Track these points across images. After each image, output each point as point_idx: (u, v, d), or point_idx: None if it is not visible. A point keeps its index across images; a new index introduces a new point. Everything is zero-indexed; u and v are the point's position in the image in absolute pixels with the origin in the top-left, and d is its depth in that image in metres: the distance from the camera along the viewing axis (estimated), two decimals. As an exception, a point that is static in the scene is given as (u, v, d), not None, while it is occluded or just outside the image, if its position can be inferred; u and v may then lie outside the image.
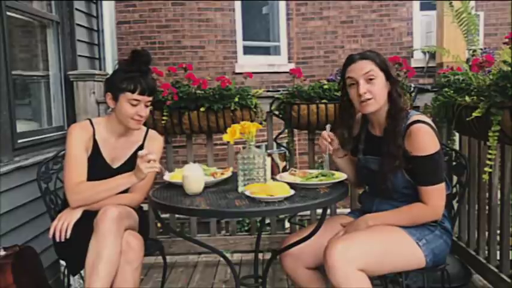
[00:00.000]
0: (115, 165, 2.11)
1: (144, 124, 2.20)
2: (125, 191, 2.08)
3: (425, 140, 1.74)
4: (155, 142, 2.19)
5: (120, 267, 1.82)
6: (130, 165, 2.03)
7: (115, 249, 1.80)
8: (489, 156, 2.03)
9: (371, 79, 1.81)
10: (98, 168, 2.05)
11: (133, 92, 2.00)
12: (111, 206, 1.87)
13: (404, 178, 1.80)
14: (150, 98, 2.07)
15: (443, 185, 1.77)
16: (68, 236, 1.93)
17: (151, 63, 2.10)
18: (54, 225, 1.96)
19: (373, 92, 1.82)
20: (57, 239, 1.94)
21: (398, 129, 1.79)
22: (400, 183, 1.82)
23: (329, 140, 1.96)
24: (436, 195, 1.75)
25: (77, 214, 1.96)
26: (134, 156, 2.06)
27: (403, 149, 1.77)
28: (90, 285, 1.75)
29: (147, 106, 2.07)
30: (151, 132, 2.25)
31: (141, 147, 2.15)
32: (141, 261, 1.89)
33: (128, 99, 2.01)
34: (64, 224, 1.94)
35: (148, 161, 1.87)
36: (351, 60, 1.86)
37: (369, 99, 1.82)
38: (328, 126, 2.01)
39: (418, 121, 1.76)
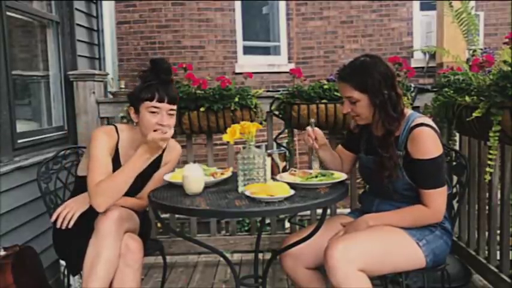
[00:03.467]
0: None
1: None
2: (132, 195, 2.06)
3: (427, 143, 1.73)
4: (173, 152, 2.16)
5: (119, 270, 1.82)
6: (145, 176, 2.02)
7: (114, 250, 1.79)
8: (490, 157, 2.03)
9: (353, 102, 1.82)
10: None
11: (151, 100, 1.93)
12: (112, 207, 1.87)
13: (405, 180, 1.80)
14: (172, 106, 1.97)
15: (445, 188, 1.77)
16: (70, 226, 1.91)
17: (171, 72, 2.02)
18: (58, 211, 1.94)
19: (356, 111, 1.84)
20: (58, 226, 1.92)
21: (390, 141, 1.79)
22: (400, 185, 1.81)
23: (313, 137, 1.97)
24: (437, 199, 1.75)
25: (84, 206, 1.94)
26: (152, 167, 2.04)
27: (395, 157, 1.77)
28: (87, 284, 1.75)
29: (171, 115, 1.98)
30: (170, 141, 2.14)
31: (159, 158, 2.11)
32: (140, 263, 1.88)
33: (147, 108, 1.94)
34: (69, 213, 1.92)
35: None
36: (336, 77, 1.88)
37: (356, 115, 1.86)
38: (312, 122, 2.01)
39: (422, 124, 1.75)
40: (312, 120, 2.01)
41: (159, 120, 1.94)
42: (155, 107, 1.93)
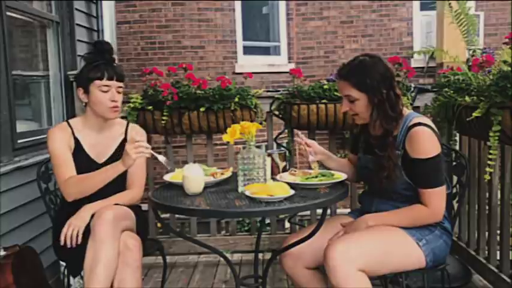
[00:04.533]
0: (101, 161, 2.11)
1: (138, 122, 2.21)
2: (123, 188, 2.10)
3: (425, 143, 1.73)
4: (137, 134, 2.18)
5: (119, 270, 1.82)
6: (116, 159, 2.02)
7: (112, 251, 1.79)
8: (490, 157, 2.03)
9: (352, 101, 1.82)
10: (84, 164, 2.06)
11: (101, 78, 2.04)
12: (107, 208, 1.87)
13: (404, 180, 1.80)
14: (120, 84, 2.10)
15: (444, 187, 1.76)
16: (79, 242, 1.91)
17: (113, 52, 2.16)
18: (64, 233, 1.94)
19: (354, 110, 1.84)
20: (68, 246, 1.92)
21: (388, 140, 1.79)
22: (399, 184, 1.81)
23: (303, 142, 1.98)
24: (436, 198, 1.75)
25: (86, 220, 1.94)
26: (119, 150, 2.08)
27: (394, 157, 1.77)
28: (89, 285, 1.75)
29: (119, 93, 2.10)
30: (132, 125, 2.27)
31: (124, 141, 2.16)
32: (140, 261, 1.88)
33: (98, 87, 2.04)
34: (74, 231, 1.92)
35: (137, 147, 1.85)
36: (335, 76, 1.88)
37: (354, 114, 1.86)
38: (298, 132, 2.01)
39: (420, 123, 1.75)
40: (297, 131, 2.04)
41: (111, 97, 2.06)
42: (106, 85, 2.05)
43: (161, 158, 1.86)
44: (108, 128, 2.16)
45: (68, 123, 2.14)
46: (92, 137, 2.13)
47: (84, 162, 2.06)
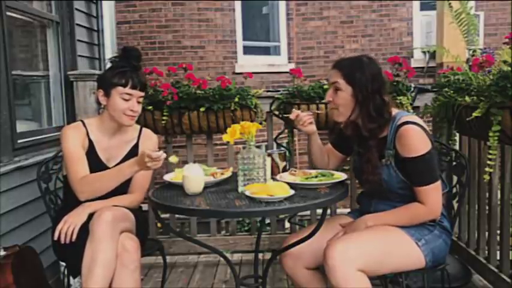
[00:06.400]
0: (111, 165, 2.11)
1: (138, 122, 2.21)
2: (125, 191, 2.09)
3: (414, 141, 1.74)
4: (150, 142, 2.19)
5: (117, 271, 1.81)
6: None
7: (110, 252, 1.79)
8: (490, 157, 2.03)
9: (337, 90, 1.84)
10: (94, 167, 2.05)
11: (125, 86, 2.02)
12: (106, 209, 1.87)
13: (399, 179, 1.80)
14: (142, 94, 2.08)
15: (438, 183, 1.77)
16: (73, 239, 1.91)
17: (142, 59, 2.12)
18: (59, 228, 1.93)
19: (336, 102, 1.85)
20: (62, 241, 1.92)
21: (370, 144, 1.81)
22: (395, 184, 1.81)
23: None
24: (432, 195, 1.76)
25: (82, 217, 1.94)
26: (130, 155, 2.08)
27: (374, 160, 1.80)
28: (87, 285, 1.75)
29: (139, 102, 2.08)
30: (145, 130, 2.25)
31: (136, 146, 2.16)
32: (138, 262, 1.87)
33: (120, 94, 2.02)
34: (70, 227, 1.92)
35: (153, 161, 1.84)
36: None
37: (333, 108, 1.87)
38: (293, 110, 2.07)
39: (407, 122, 1.76)
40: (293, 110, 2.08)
41: (131, 106, 2.04)
42: (128, 94, 2.02)
43: (171, 159, 1.91)
44: (122, 132, 2.15)
45: (83, 123, 2.12)
46: (105, 140, 2.12)
47: (94, 165, 2.05)
